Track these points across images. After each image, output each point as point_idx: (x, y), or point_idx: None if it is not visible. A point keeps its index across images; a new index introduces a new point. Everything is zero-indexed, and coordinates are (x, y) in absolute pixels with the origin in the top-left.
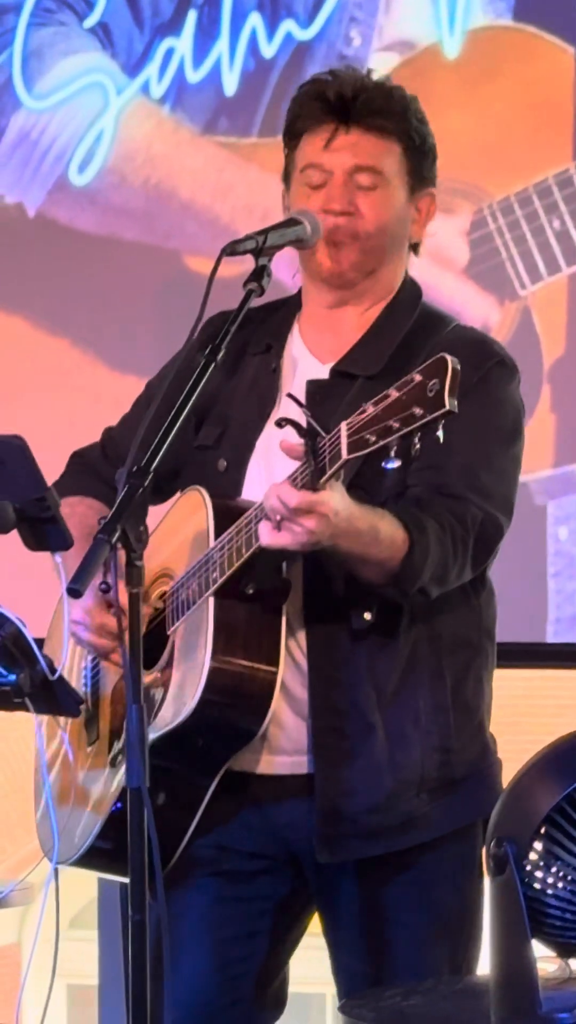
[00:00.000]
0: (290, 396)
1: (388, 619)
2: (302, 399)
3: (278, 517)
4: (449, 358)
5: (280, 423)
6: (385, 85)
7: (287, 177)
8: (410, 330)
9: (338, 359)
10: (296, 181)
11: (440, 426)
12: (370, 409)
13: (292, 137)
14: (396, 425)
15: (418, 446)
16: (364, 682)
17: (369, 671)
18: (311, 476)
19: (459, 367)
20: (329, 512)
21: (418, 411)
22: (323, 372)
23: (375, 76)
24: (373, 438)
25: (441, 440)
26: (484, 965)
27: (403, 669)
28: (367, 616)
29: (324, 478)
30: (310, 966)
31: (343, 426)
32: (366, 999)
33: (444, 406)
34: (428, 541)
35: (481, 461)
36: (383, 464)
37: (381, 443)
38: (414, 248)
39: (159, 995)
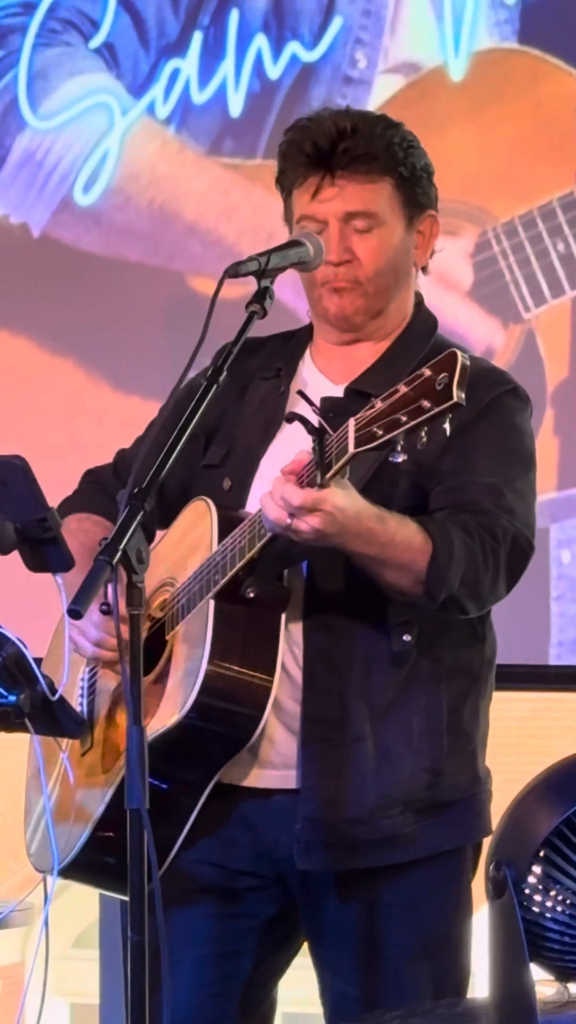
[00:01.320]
0: (300, 393)
1: (390, 635)
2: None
3: (285, 522)
4: (459, 352)
5: (289, 418)
6: (365, 123)
7: (288, 221)
8: (423, 357)
9: (351, 380)
10: (295, 231)
11: (448, 419)
12: (378, 404)
13: (284, 188)
14: (404, 419)
15: (424, 440)
16: (357, 696)
17: (364, 685)
18: (318, 471)
19: (468, 363)
20: (333, 509)
21: (426, 404)
22: (337, 391)
23: (356, 111)
24: (380, 431)
25: (448, 433)
26: (482, 988)
27: (400, 687)
28: (407, 638)
29: (331, 472)
30: (305, 987)
31: (351, 421)
32: (364, 1022)
33: (452, 398)
34: (452, 543)
35: (504, 482)
36: (390, 458)
37: (388, 436)
38: (423, 268)
39: (158, 1014)
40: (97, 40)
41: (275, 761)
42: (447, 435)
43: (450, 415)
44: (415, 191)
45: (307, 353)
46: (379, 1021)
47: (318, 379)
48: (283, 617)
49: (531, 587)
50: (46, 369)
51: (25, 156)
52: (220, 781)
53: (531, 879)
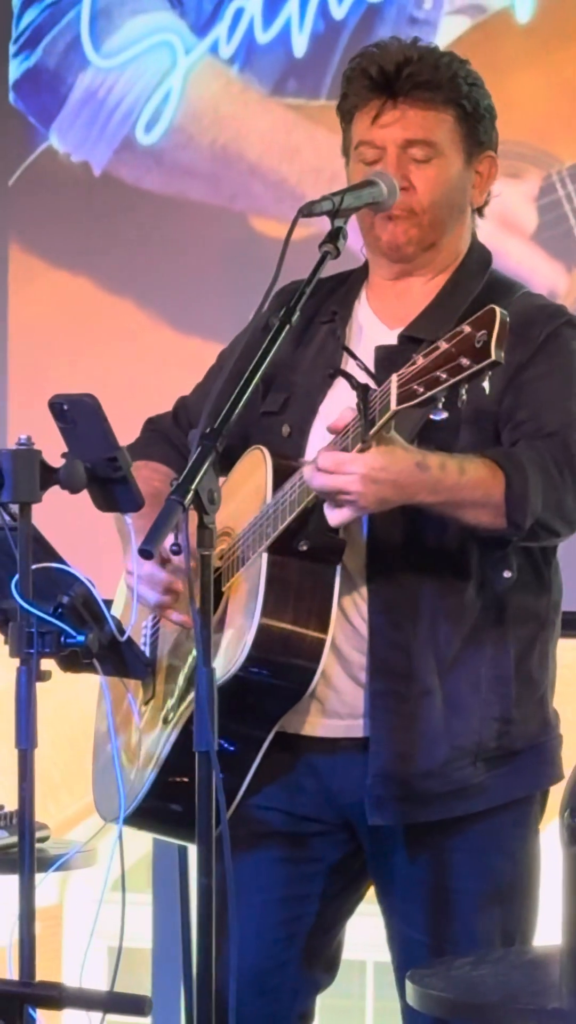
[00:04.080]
0: (344, 348)
1: (455, 586)
2: (370, 364)
3: (335, 489)
4: (498, 309)
5: (331, 374)
6: (431, 53)
7: (346, 152)
8: (478, 296)
9: (405, 325)
10: (352, 158)
11: (487, 377)
12: (420, 360)
13: (344, 114)
14: (443, 376)
15: (464, 397)
16: (425, 648)
17: (431, 637)
18: (362, 428)
19: (508, 319)
20: (369, 471)
21: (465, 362)
22: (391, 337)
23: (424, 44)
24: (421, 389)
25: (487, 391)
26: (550, 935)
27: (466, 637)
28: (507, 574)
29: (374, 429)
30: (351, 933)
31: (394, 378)
32: (435, 968)
33: (490, 356)
34: (524, 468)
35: (571, 399)
36: (431, 416)
37: (428, 393)
38: (479, 211)
39: (220, 958)
40: None
41: (340, 711)
42: (486, 392)
43: (489, 373)
44: (477, 128)
45: (362, 293)
46: (449, 967)
47: (373, 323)
48: (338, 568)
49: None
50: (106, 309)
51: (87, 94)
52: (285, 731)
53: None
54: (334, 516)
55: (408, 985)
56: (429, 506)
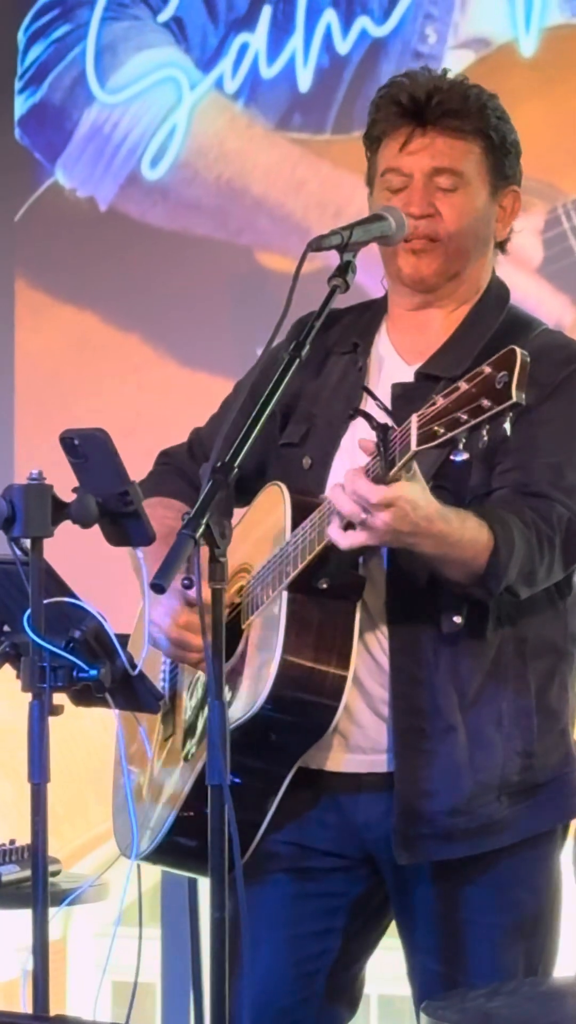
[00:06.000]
0: (364, 388)
1: (474, 621)
2: (387, 400)
3: (360, 516)
4: (519, 351)
5: (352, 414)
6: (461, 84)
7: (370, 181)
8: (496, 332)
9: (424, 360)
10: (377, 185)
11: (508, 419)
12: (440, 401)
13: (372, 141)
14: (464, 417)
15: (486, 439)
16: (447, 683)
17: (452, 672)
18: (382, 468)
19: (528, 360)
20: (407, 506)
21: (486, 403)
22: (408, 373)
23: (452, 75)
24: (442, 430)
25: (508, 433)
26: (564, 967)
27: (487, 671)
28: (457, 620)
29: (394, 470)
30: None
31: (414, 418)
32: (450, 1000)
33: (511, 399)
34: (513, 539)
35: (567, 461)
36: (451, 457)
37: (449, 435)
38: (501, 246)
39: (235, 992)
40: (165, 14)
41: (364, 745)
42: (508, 435)
43: (511, 415)
44: (503, 161)
45: (382, 325)
46: (464, 999)
47: (392, 357)
48: (358, 605)
49: None
50: (112, 344)
51: (93, 130)
52: (308, 766)
53: None
54: (345, 539)
55: (422, 1017)
56: (421, 552)
